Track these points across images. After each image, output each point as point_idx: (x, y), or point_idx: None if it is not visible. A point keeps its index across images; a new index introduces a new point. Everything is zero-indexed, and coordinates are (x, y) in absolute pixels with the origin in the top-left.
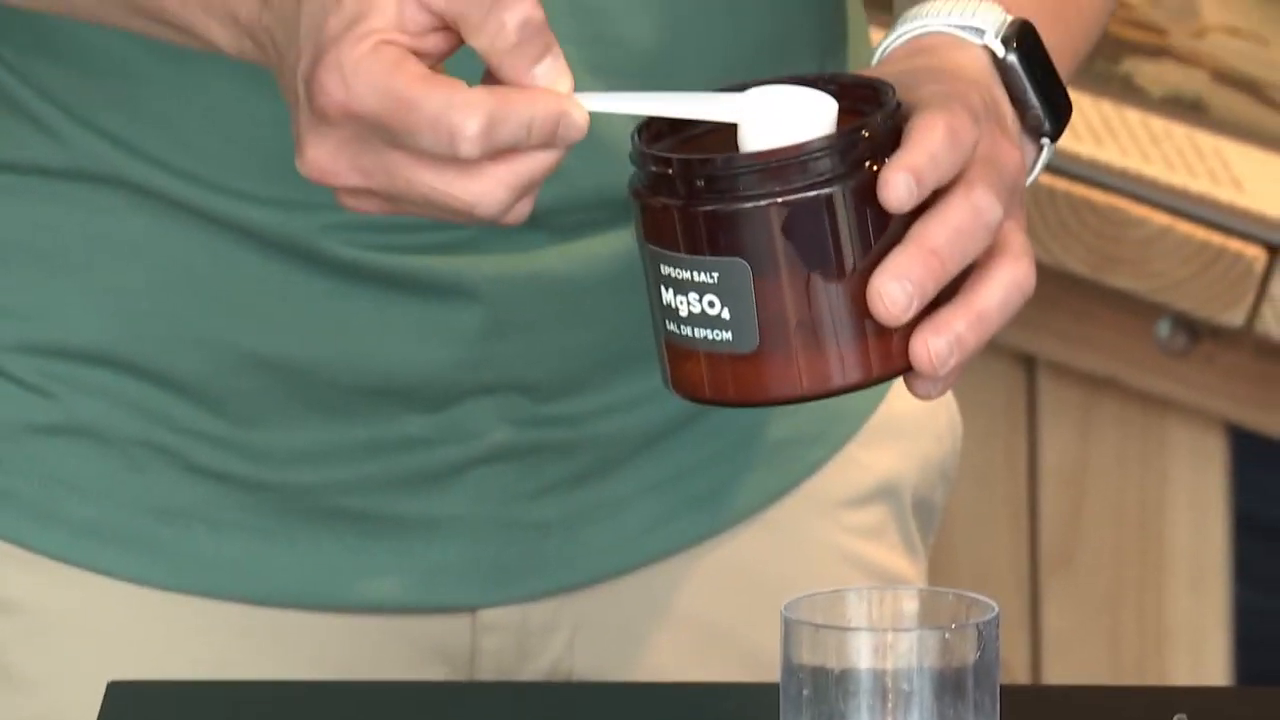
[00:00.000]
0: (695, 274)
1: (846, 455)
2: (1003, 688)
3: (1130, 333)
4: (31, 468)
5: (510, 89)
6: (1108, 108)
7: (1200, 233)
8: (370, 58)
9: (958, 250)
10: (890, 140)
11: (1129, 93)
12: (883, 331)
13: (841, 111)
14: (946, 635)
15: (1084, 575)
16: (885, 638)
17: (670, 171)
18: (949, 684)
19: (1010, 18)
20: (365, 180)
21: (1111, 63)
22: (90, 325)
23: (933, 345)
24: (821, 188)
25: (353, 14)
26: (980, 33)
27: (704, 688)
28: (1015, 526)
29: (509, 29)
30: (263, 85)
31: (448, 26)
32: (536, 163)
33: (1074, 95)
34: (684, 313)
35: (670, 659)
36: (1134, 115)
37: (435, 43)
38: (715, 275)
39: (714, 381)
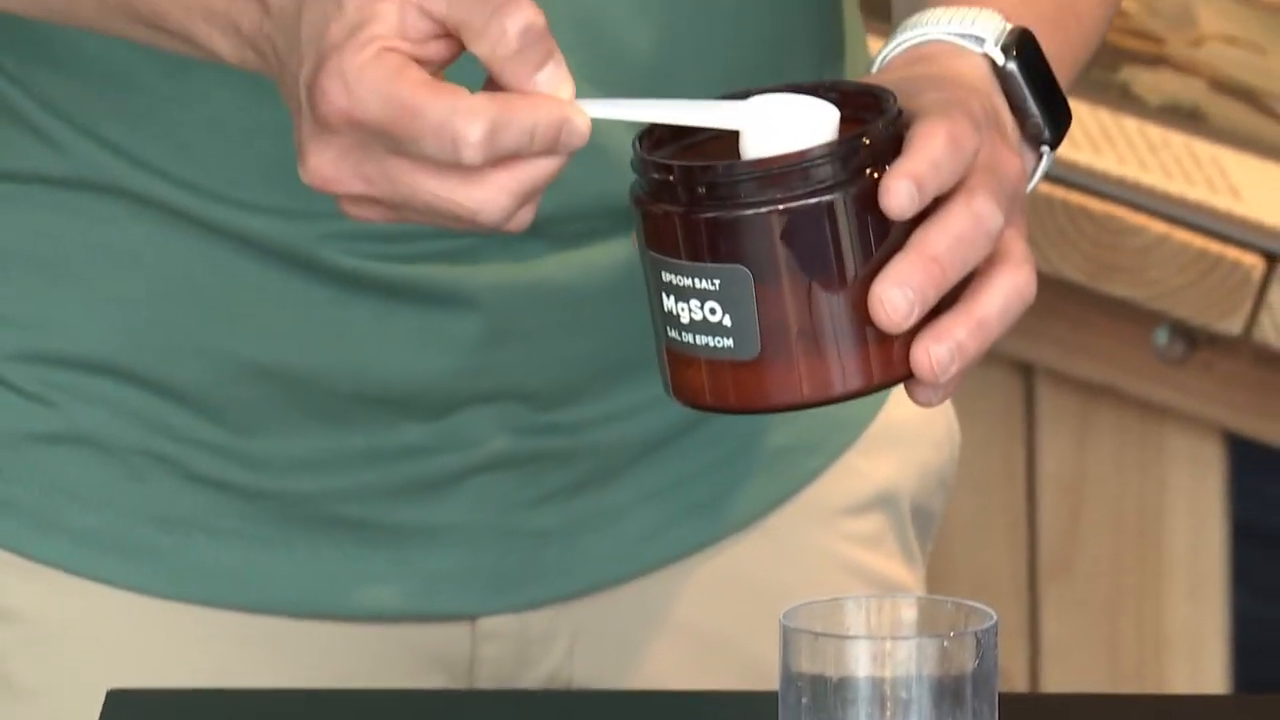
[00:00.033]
0: (697, 281)
1: (845, 463)
2: (1001, 696)
3: (1128, 341)
4: (32, 476)
5: (512, 95)
6: (1105, 116)
7: (1198, 241)
8: (372, 65)
9: (959, 257)
10: (891, 148)
11: (1127, 101)
12: (884, 338)
13: (843, 119)
14: (945, 643)
15: (1082, 583)
16: (884, 646)
17: (671, 178)
18: (947, 692)
19: (1010, 26)
20: (368, 188)
21: (1109, 71)
22: (90, 334)
23: (934, 352)
24: (823, 195)
25: (354, 21)
26: (980, 41)
27: (703, 696)
28: (1013, 534)
29: (510, 35)
30: (263, 94)
31: (449, 34)
32: (539, 169)
33: (1071, 103)
34: (685, 320)
35: (669, 667)
36: (1131, 124)
37: (436, 50)
38: (717, 282)
39: (715, 388)
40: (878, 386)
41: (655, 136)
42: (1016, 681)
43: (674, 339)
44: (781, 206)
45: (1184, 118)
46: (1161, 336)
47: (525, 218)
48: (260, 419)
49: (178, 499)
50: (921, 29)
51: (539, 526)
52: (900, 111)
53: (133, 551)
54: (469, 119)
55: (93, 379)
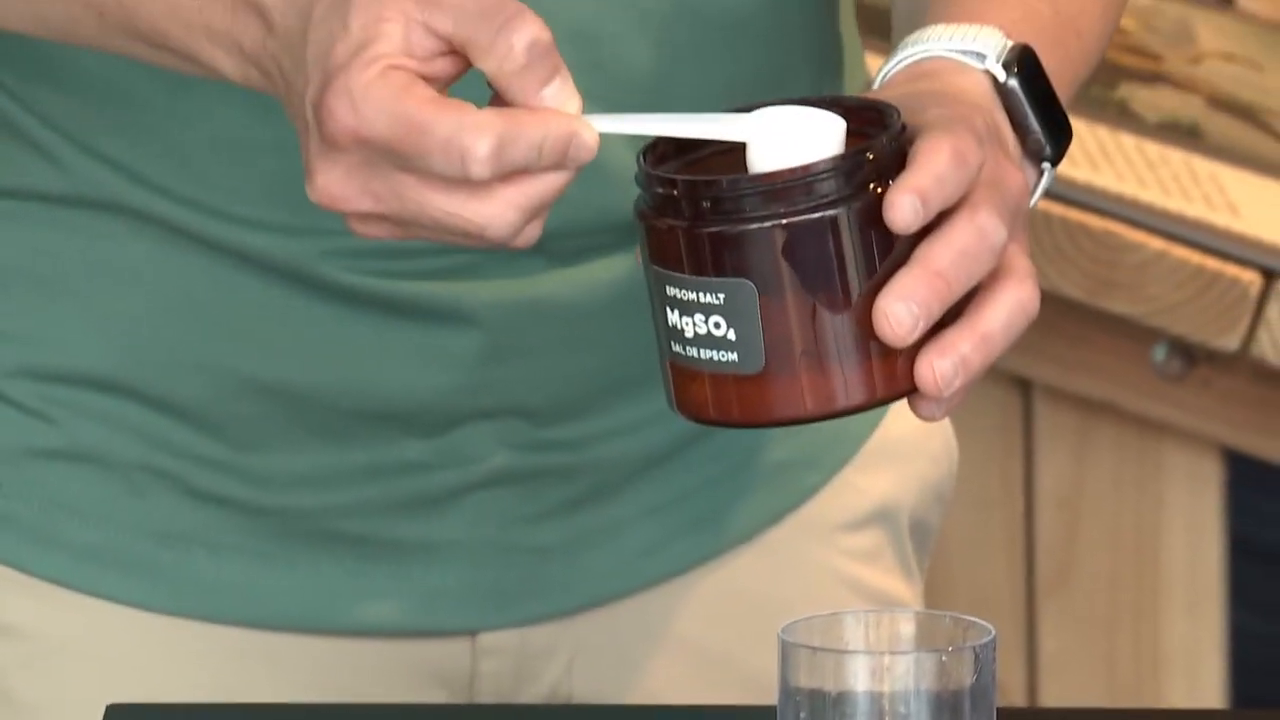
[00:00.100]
0: (701, 295)
1: (843, 479)
2: (999, 711)
3: (1126, 357)
4: (32, 492)
5: (520, 111)
6: (1104, 133)
7: (1196, 257)
8: (379, 82)
9: (963, 272)
10: (895, 162)
11: (1125, 118)
12: (888, 353)
13: (846, 134)
14: (943, 658)
15: (1080, 598)
16: (882, 660)
17: (675, 193)
18: (946, 707)
19: (1011, 43)
20: (376, 205)
21: (1108, 88)
22: (91, 350)
23: (938, 367)
24: (826, 209)
25: (360, 40)
26: (981, 57)
27: (703, 710)
28: (1011, 550)
29: (517, 51)
30: (265, 111)
31: (455, 50)
32: (547, 184)
33: (1071, 120)
34: (689, 334)
35: (668, 682)
36: (1130, 140)
37: (443, 67)
38: (721, 296)
39: (719, 402)
40: (881, 401)
41: (659, 151)
42: (1014, 696)
43: (678, 353)
44: (785, 221)
45: (1182, 135)
46: (1160, 353)
47: (533, 233)
48: (261, 435)
49: (178, 514)
50: (923, 45)
51: (539, 542)
52: (904, 126)
53: (133, 567)
54: (476, 134)
55: (93, 395)
